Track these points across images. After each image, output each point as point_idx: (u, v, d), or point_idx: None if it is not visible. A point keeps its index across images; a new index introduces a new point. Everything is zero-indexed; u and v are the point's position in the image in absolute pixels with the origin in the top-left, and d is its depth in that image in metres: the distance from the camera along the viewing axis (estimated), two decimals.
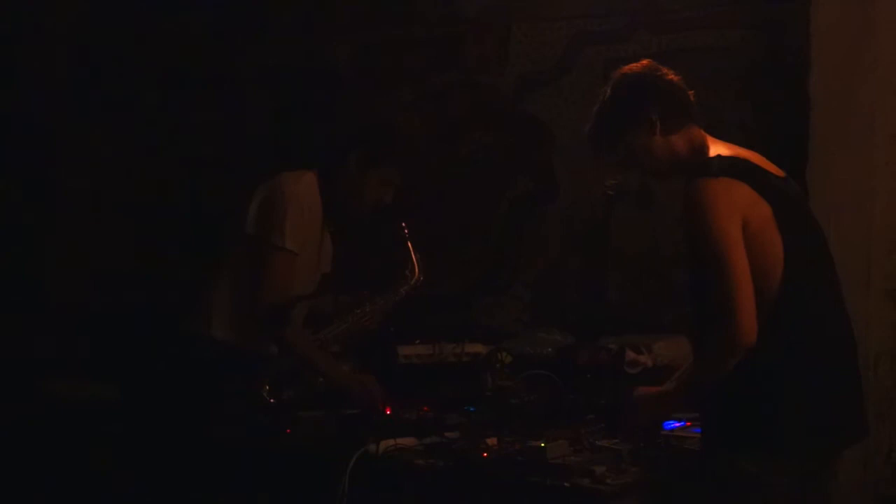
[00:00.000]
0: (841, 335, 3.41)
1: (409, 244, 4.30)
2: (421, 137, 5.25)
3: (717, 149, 3.43)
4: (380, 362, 4.47)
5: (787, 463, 3.29)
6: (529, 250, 5.57)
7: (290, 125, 5.98)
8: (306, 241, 4.19)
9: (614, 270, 5.28)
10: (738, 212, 3.25)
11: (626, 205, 5.21)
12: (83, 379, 5.75)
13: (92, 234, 6.38)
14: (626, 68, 3.54)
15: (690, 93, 3.51)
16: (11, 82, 6.24)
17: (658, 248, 5.12)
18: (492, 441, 3.64)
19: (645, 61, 3.54)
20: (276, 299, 4.04)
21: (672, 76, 3.50)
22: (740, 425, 3.29)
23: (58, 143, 6.38)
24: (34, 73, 6.29)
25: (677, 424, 3.78)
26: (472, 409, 4.05)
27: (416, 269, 4.29)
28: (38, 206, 6.34)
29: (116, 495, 5.10)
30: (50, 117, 6.32)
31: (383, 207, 4.30)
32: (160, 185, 6.35)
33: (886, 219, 4.53)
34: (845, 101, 4.52)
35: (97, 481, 5.22)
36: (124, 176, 6.39)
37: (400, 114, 5.60)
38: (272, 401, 4.05)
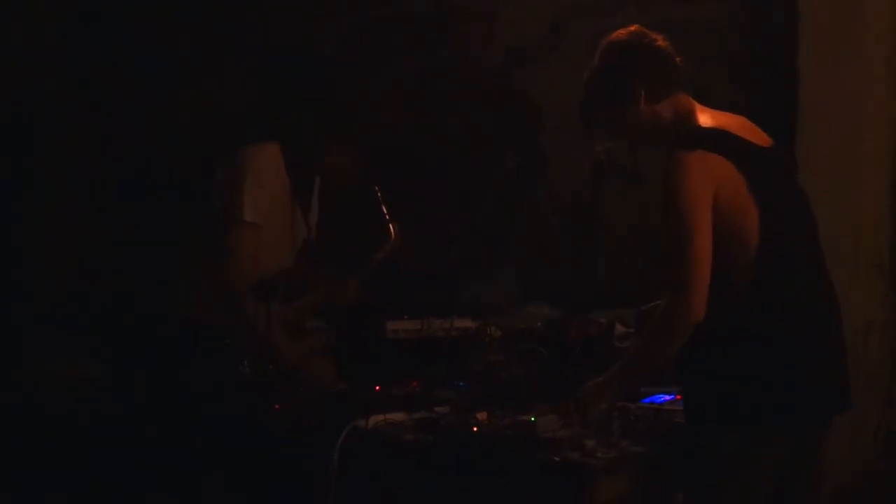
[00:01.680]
0: (823, 306, 3.41)
1: (384, 207, 4.27)
2: (391, 111, 5.24)
3: (703, 117, 3.42)
4: (368, 338, 4.45)
5: (770, 435, 3.30)
6: (519, 226, 5.56)
7: (273, 103, 5.95)
8: (271, 212, 4.15)
9: (604, 246, 5.27)
10: (710, 186, 3.26)
11: (615, 179, 5.20)
12: (68, 359, 5.74)
13: (75, 216, 6.36)
14: (614, 35, 3.52)
15: (679, 59, 3.49)
16: None
17: (648, 223, 5.11)
18: (481, 416, 3.64)
19: (633, 27, 3.52)
20: (241, 273, 4.01)
21: (661, 42, 3.48)
22: (722, 398, 3.29)
23: (40, 125, 6.35)
24: (15, 55, 6.25)
25: (667, 398, 3.78)
26: (461, 384, 4.04)
27: (392, 232, 4.25)
28: (20, 189, 6.31)
29: (104, 475, 5.11)
30: (32, 100, 6.29)
31: (350, 180, 4.29)
32: (142, 166, 6.32)
33: (874, 193, 4.55)
34: (833, 77, 4.53)
35: (85, 462, 5.22)
36: (107, 157, 6.37)
37: (372, 89, 5.58)
38: (252, 376, 4.02)
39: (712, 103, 3.56)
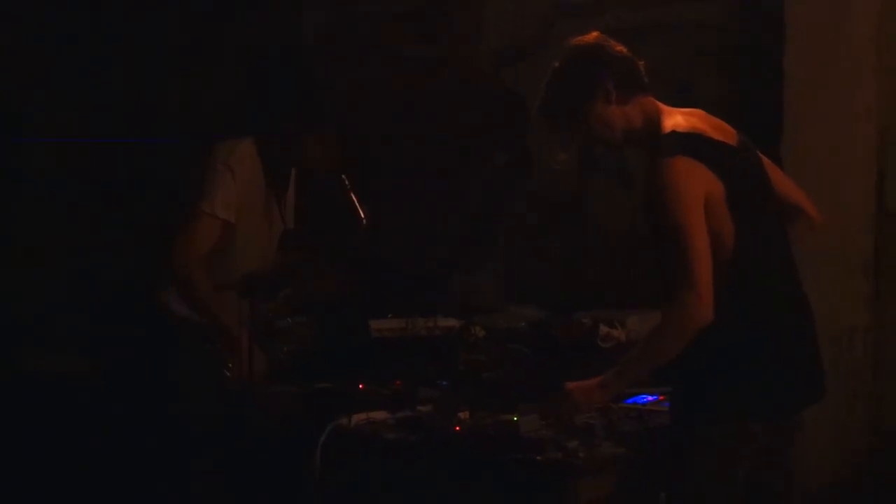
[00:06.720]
0: (796, 299, 3.46)
1: (352, 194, 4.24)
2: (376, 108, 5.21)
3: (671, 119, 3.42)
4: (351, 336, 4.45)
5: (751, 431, 3.33)
6: (505, 226, 5.55)
7: (253, 95, 5.93)
8: (245, 207, 4.17)
9: (589, 246, 5.27)
10: (700, 190, 3.29)
11: (601, 181, 5.20)
12: (58, 353, 5.73)
13: (64, 212, 6.34)
14: (577, 40, 3.54)
15: (641, 63, 3.51)
16: None
17: (633, 225, 5.11)
18: (464, 415, 3.64)
19: (595, 33, 3.54)
20: (193, 257, 4.06)
21: (620, 48, 3.50)
22: (707, 395, 3.32)
23: (26, 120, 6.33)
24: (4, 49, 6.23)
25: (650, 398, 3.79)
26: (444, 383, 4.04)
27: (362, 216, 4.22)
28: (11, 185, 6.30)
29: (91, 469, 5.11)
30: (21, 96, 6.27)
31: (326, 171, 4.28)
32: (132, 159, 6.30)
33: (860, 195, 4.54)
34: (820, 77, 4.54)
35: (72, 455, 5.22)
36: (97, 149, 6.34)
37: (358, 86, 5.56)
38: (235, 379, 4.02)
39: (699, 102, 3.56)
